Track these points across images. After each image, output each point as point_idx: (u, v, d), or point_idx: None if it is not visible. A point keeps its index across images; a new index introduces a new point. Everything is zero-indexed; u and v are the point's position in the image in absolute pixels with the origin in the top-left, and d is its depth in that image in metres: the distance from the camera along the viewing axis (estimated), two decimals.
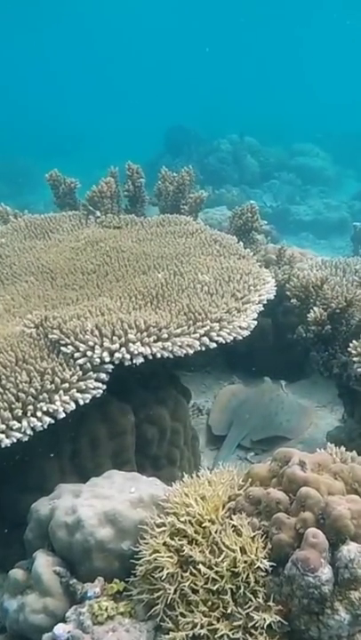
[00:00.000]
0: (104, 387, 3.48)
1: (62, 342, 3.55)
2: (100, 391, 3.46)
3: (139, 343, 3.54)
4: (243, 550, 2.83)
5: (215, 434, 5.39)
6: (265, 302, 4.39)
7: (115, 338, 3.52)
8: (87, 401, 3.39)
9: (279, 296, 5.63)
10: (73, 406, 3.33)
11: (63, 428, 3.54)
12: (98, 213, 5.70)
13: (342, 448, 3.46)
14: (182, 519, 3.01)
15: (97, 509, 3.16)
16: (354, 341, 4.27)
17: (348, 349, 4.30)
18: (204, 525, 2.98)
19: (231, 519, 2.99)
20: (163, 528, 3.05)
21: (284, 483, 3.03)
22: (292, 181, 19.31)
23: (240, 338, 3.97)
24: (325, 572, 2.64)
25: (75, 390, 3.35)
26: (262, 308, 4.33)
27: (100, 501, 3.21)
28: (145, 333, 3.58)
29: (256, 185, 19.22)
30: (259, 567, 2.77)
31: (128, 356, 3.49)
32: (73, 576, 3.08)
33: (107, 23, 43.43)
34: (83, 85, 40.82)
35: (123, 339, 3.53)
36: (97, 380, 3.46)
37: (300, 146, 22.30)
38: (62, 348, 3.51)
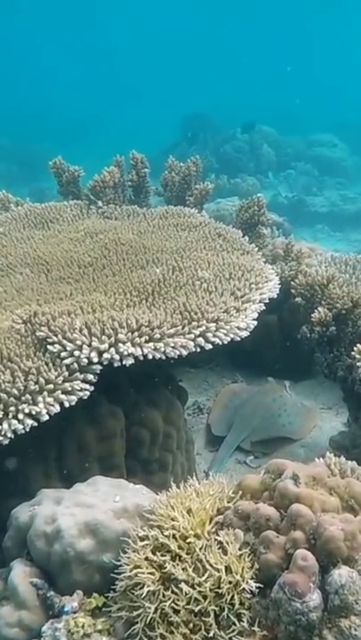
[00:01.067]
0: (91, 388, 3.32)
1: (49, 340, 3.38)
2: (87, 393, 3.29)
3: (129, 343, 3.36)
4: (228, 569, 2.66)
5: (215, 434, 5.22)
6: (267, 301, 4.19)
7: (104, 337, 3.35)
8: (73, 403, 3.23)
9: (286, 293, 5.45)
10: (57, 408, 3.17)
11: (48, 429, 3.38)
12: (100, 203, 5.53)
13: (343, 458, 3.28)
14: (166, 533, 2.85)
15: (78, 519, 3.00)
16: (359, 345, 4.07)
17: (353, 353, 4.10)
18: (188, 541, 2.82)
19: (218, 535, 2.83)
20: (146, 542, 2.89)
21: (275, 497, 2.86)
22: (308, 172, 19.03)
23: (238, 339, 3.78)
24: (314, 599, 2.47)
25: (60, 392, 3.19)
26: (263, 308, 4.14)
27: (82, 510, 3.05)
28: (136, 333, 3.41)
29: (272, 175, 18.94)
30: (244, 588, 2.61)
31: (117, 357, 3.32)
32: (51, 588, 2.93)
33: (126, 9, 43.07)
34: (101, 73, 40.56)
35: (112, 338, 3.36)
36: (84, 381, 3.30)
37: (319, 136, 21.97)
38: (49, 347, 3.34)
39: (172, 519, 2.89)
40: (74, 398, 3.23)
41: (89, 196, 5.56)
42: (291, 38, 39.67)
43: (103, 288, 4.03)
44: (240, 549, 2.72)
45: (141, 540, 2.91)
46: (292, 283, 5.02)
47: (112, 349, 3.33)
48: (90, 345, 3.33)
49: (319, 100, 28.96)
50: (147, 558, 2.81)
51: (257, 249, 4.98)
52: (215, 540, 2.81)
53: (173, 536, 2.85)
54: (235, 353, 6.01)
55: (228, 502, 3.02)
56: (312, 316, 4.52)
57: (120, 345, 3.34)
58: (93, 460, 3.52)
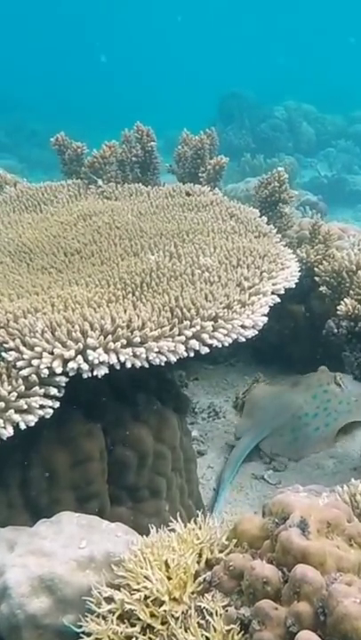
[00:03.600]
0: (56, 405, 2.70)
1: (5, 346, 2.76)
2: (50, 411, 2.67)
3: (101, 349, 2.73)
4: None
5: (238, 436, 4.60)
6: (282, 292, 3.52)
7: (70, 342, 2.73)
8: (31, 424, 2.61)
9: (314, 279, 4.75)
10: (9, 432, 2.56)
11: (9, 452, 2.79)
12: (100, 182, 4.89)
13: None
14: (137, 596, 2.22)
15: (31, 572, 2.41)
16: None
17: None
18: (164, 608, 2.18)
19: (202, 599, 2.19)
20: (112, 605, 2.27)
21: (277, 551, 2.22)
22: (350, 150, 18.07)
23: (243, 340, 3.12)
24: None
25: (12, 411, 2.57)
26: (277, 300, 3.47)
27: (38, 560, 2.45)
28: (110, 336, 2.77)
29: (312, 153, 18.07)
30: None
31: (86, 367, 2.69)
32: None
33: None
34: (136, 54, 39.76)
35: (80, 344, 2.73)
36: (46, 396, 2.68)
37: None
38: (3, 354, 2.73)
39: (145, 577, 2.26)
40: (32, 418, 2.62)
41: (87, 174, 4.92)
42: (335, 12, 38.07)
43: (86, 279, 3.41)
44: (229, 623, 2.08)
45: (108, 601, 2.30)
46: (316, 269, 4.31)
47: (79, 357, 2.70)
48: (52, 352, 2.70)
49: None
50: (112, 630, 2.19)
51: (276, 230, 4.29)
52: (197, 607, 2.18)
53: (145, 600, 2.23)
54: (258, 347, 5.32)
55: (221, 552, 2.39)
56: (338, 308, 3.82)
57: (89, 352, 2.71)
58: (65, 488, 2.91)
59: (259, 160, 15.00)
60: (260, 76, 27.26)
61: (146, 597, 2.23)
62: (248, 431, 4.52)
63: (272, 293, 3.45)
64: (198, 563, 2.35)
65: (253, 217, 4.34)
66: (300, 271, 3.87)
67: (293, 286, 3.69)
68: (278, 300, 3.49)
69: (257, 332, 3.23)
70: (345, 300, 3.78)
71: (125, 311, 2.98)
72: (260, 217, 4.40)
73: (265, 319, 3.27)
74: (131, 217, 4.26)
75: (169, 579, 2.28)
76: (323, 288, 4.19)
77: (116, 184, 4.90)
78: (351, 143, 18.36)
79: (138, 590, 2.23)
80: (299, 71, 29.49)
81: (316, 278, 4.32)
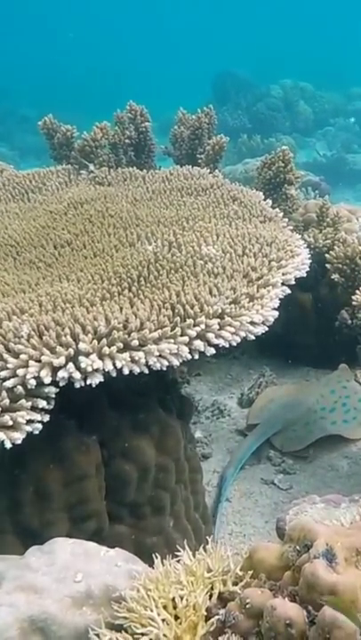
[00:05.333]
0: (45, 418, 2.40)
1: None
2: (39, 426, 2.37)
3: (94, 355, 2.43)
4: None
5: (249, 423, 4.37)
6: (293, 283, 3.21)
7: (59, 348, 2.42)
8: (18, 442, 2.31)
9: (323, 266, 4.45)
10: None
11: None
12: (91, 167, 4.56)
13: None
14: None
15: (20, 612, 2.11)
16: None
17: None
18: None
19: None
20: None
21: (300, 587, 1.92)
22: (349, 128, 17.67)
23: (252, 337, 2.82)
24: None
25: None
26: (288, 291, 3.17)
27: (28, 597, 2.16)
28: (105, 340, 2.46)
29: (310, 133, 17.67)
30: None
31: (79, 376, 2.39)
32: None
33: None
34: (130, 37, 39.07)
35: (71, 349, 2.42)
36: (33, 409, 2.38)
37: (360, 89, 20.46)
38: None
39: (150, 619, 1.97)
40: (18, 436, 2.31)
41: (78, 159, 4.60)
42: None
43: (77, 274, 3.10)
44: None
45: None
46: (328, 255, 4.00)
47: (70, 365, 2.40)
48: (39, 360, 2.40)
49: (359, 50, 27.15)
50: None
51: (282, 214, 3.98)
52: None
53: None
54: (263, 338, 5.00)
55: (235, 584, 2.10)
56: (353, 297, 3.51)
57: (82, 358, 2.40)
58: (59, 509, 2.62)
59: (256, 141, 14.66)
60: (254, 55, 26.75)
61: None
62: (256, 427, 4.25)
63: (282, 284, 3.14)
64: (210, 597, 2.06)
65: (258, 200, 4.02)
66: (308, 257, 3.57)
67: (305, 275, 3.39)
68: (289, 291, 3.19)
69: (267, 329, 2.93)
70: None
71: (121, 310, 2.67)
72: (265, 200, 4.08)
73: (276, 314, 2.97)
74: (125, 204, 3.94)
75: (176, 618, 1.99)
76: (335, 276, 3.90)
77: (109, 168, 4.58)
78: (350, 121, 17.96)
79: (142, 634, 1.95)
80: (294, 49, 28.95)
81: (328, 265, 4.01)
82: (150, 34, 38.30)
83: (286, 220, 3.97)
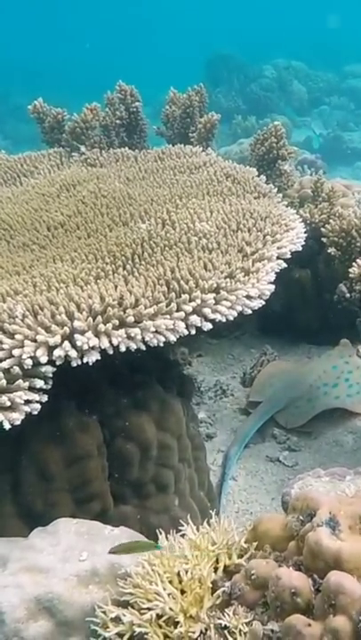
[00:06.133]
0: (43, 398, 2.38)
1: None
2: (38, 406, 2.35)
3: (90, 333, 2.40)
4: None
5: (251, 400, 4.37)
6: (288, 256, 3.18)
7: (55, 327, 2.39)
8: (17, 422, 2.29)
9: (319, 241, 4.41)
10: None
11: None
12: (83, 149, 4.52)
13: None
14: (147, 616, 1.92)
15: (26, 592, 2.11)
16: None
17: None
18: (179, 629, 1.88)
19: (222, 615, 1.89)
20: (120, 628, 1.97)
21: (305, 555, 1.91)
22: (344, 106, 17.53)
23: (249, 312, 2.79)
24: None
25: None
26: (284, 265, 3.14)
27: (33, 577, 2.15)
28: (100, 317, 2.44)
29: (305, 112, 17.53)
30: None
31: (75, 354, 2.37)
32: None
33: None
34: (120, 18, 38.70)
35: (66, 327, 2.40)
36: (31, 389, 2.35)
37: (353, 67, 20.27)
38: None
39: (156, 594, 1.96)
40: (17, 416, 2.29)
41: (69, 141, 4.55)
42: None
43: (71, 255, 3.07)
44: None
45: (115, 623, 2.00)
46: (323, 229, 3.97)
47: (66, 343, 2.37)
48: (35, 339, 2.37)
49: (352, 28, 26.84)
50: None
51: (277, 190, 3.93)
52: (218, 625, 1.88)
53: (158, 618, 1.93)
54: (264, 317, 4.99)
55: (240, 556, 2.09)
56: (350, 270, 3.48)
57: (77, 336, 2.38)
58: (62, 490, 2.60)
59: (250, 121, 14.54)
60: (246, 36, 26.46)
61: (158, 616, 1.93)
62: (260, 405, 4.22)
63: (278, 258, 3.11)
64: (215, 570, 2.05)
65: (251, 176, 3.98)
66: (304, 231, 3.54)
67: (300, 249, 3.36)
68: (285, 265, 3.16)
69: (264, 303, 2.90)
70: (358, 260, 3.44)
71: (116, 288, 2.65)
72: (259, 176, 4.04)
73: (272, 287, 2.93)
74: (118, 184, 3.91)
75: (182, 592, 1.98)
76: (331, 249, 3.86)
77: (101, 150, 4.53)
78: (345, 100, 17.81)
79: (148, 609, 1.93)
80: (286, 28, 28.64)
81: (324, 239, 3.98)
82: (140, 17, 37.94)
83: (281, 195, 3.93)
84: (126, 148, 4.52)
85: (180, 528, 2.19)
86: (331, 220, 4.01)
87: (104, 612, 2.02)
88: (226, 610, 1.91)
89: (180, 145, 4.46)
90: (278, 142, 4.55)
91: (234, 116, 14.71)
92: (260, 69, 18.79)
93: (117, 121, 4.76)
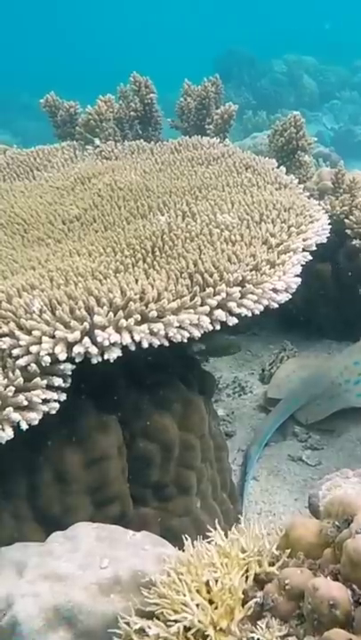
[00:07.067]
0: (62, 397, 2.27)
1: None
2: (56, 405, 2.24)
3: (111, 328, 2.29)
4: None
5: (270, 396, 4.24)
6: (313, 248, 3.06)
7: (74, 322, 2.28)
8: (34, 422, 2.19)
9: (340, 234, 4.28)
10: (9, 434, 2.13)
11: (11, 455, 2.37)
12: (97, 142, 4.41)
13: None
14: (174, 629, 1.81)
15: (44, 601, 2.00)
16: None
17: None
18: None
19: (255, 628, 1.78)
20: None
21: (343, 564, 1.79)
22: (355, 100, 17.37)
23: (275, 306, 2.67)
24: None
25: (11, 409, 2.14)
26: (310, 257, 3.01)
27: (52, 585, 2.04)
28: (121, 312, 2.33)
29: (315, 107, 17.37)
30: None
31: (95, 351, 2.26)
32: None
33: None
34: (130, 17, 38.56)
35: (86, 323, 2.28)
36: (49, 388, 2.25)
37: None
38: None
39: (183, 605, 1.84)
40: (34, 416, 2.18)
41: (83, 134, 4.44)
42: None
43: (88, 248, 2.96)
44: None
45: (139, 635, 1.88)
46: (347, 221, 3.84)
47: (86, 339, 2.26)
48: (53, 335, 2.26)
49: None
50: None
51: (297, 181, 3.81)
52: (250, 639, 1.77)
53: (186, 631, 1.82)
54: (283, 312, 4.85)
55: (271, 564, 1.97)
56: None
57: (98, 332, 2.27)
58: (80, 492, 2.49)
59: (261, 117, 14.41)
60: (255, 31, 26.33)
61: (186, 629, 1.82)
62: (280, 402, 4.10)
63: (303, 250, 2.99)
64: (245, 579, 1.93)
65: (271, 167, 3.86)
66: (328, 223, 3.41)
67: (325, 241, 3.24)
68: (310, 257, 3.04)
69: (290, 297, 2.78)
70: None
71: (137, 281, 2.53)
72: (278, 167, 3.92)
73: (298, 280, 2.82)
74: (134, 176, 3.79)
75: (210, 602, 1.87)
76: (356, 241, 3.74)
77: (115, 142, 4.42)
78: (356, 94, 17.66)
79: (175, 621, 1.82)
80: (295, 23, 28.49)
81: (348, 231, 3.85)
82: (150, 15, 37.82)
83: (302, 186, 3.81)
84: (141, 141, 4.40)
85: (206, 534, 2.07)
86: (355, 211, 3.89)
87: (127, 624, 1.90)
88: (258, 622, 1.80)
89: (197, 136, 4.34)
90: (298, 132, 4.42)
91: (245, 112, 14.56)
92: (269, 64, 18.64)
93: (132, 113, 4.65)
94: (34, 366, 2.25)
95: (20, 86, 22.09)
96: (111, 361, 2.29)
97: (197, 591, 1.88)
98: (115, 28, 36.04)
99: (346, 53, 20.58)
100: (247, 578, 1.93)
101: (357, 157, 13.68)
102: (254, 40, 22.47)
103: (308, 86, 18.22)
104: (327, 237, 3.31)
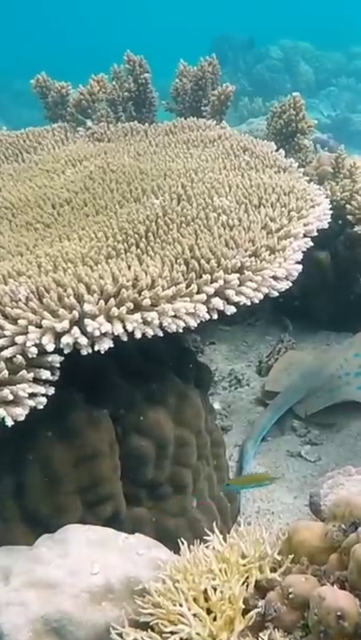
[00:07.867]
0: (50, 391, 2.13)
1: None
2: (43, 400, 2.10)
3: (102, 317, 2.14)
4: None
5: (267, 389, 4.09)
6: (315, 234, 2.92)
7: (62, 311, 2.14)
8: (20, 418, 2.04)
9: (339, 221, 4.14)
10: None
11: None
12: (89, 123, 4.25)
13: None
14: None
15: (32, 611, 1.87)
16: None
17: None
18: None
19: None
20: None
21: (350, 572, 1.68)
22: (352, 87, 17.16)
23: (275, 294, 2.53)
24: None
25: None
26: (311, 244, 2.87)
27: (40, 594, 1.91)
28: (113, 300, 2.18)
29: (312, 94, 17.15)
30: None
31: (85, 341, 2.11)
32: None
33: None
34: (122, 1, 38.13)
35: (75, 311, 2.14)
36: (36, 381, 2.10)
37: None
38: None
39: (180, 615, 1.71)
40: (20, 412, 2.04)
41: (74, 115, 4.28)
42: None
43: (78, 233, 2.81)
44: None
45: None
46: (348, 206, 3.70)
47: (75, 329, 2.12)
48: (40, 325, 2.12)
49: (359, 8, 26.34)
50: None
51: (297, 165, 3.67)
52: None
53: None
54: (280, 302, 4.71)
55: (273, 570, 1.84)
56: None
57: (88, 321, 2.12)
58: (70, 492, 2.35)
59: (257, 103, 14.23)
60: (251, 15, 26.05)
61: None
62: (277, 395, 3.97)
63: (304, 236, 2.85)
64: (246, 587, 1.80)
65: (270, 150, 3.72)
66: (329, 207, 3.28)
67: (326, 226, 3.10)
68: (311, 243, 2.90)
69: (291, 284, 2.64)
70: None
71: (130, 267, 2.39)
72: (277, 150, 3.77)
73: (299, 267, 2.68)
74: (127, 158, 3.64)
75: (209, 612, 1.74)
76: (358, 228, 3.60)
77: (108, 124, 4.26)
78: (353, 81, 17.46)
79: (172, 633, 1.69)
80: (291, 8, 28.19)
81: (349, 217, 3.71)
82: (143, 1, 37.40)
83: (302, 170, 3.67)
84: (135, 122, 4.24)
85: (202, 537, 1.94)
86: (357, 197, 3.74)
87: (120, 635, 1.77)
88: (260, 635, 1.67)
89: (193, 118, 4.18)
90: (297, 115, 4.27)
91: (240, 98, 14.37)
92: (265, 50, 18.40)
93: (125, 94, 4.48)
94: (20, 358, 2.10)
95: (13, 72, 21.74)
96: (102, 352, 2.15)
97: (195, 600, 1.75)
98: (108, 15, 35.64)
99: (342, 39, 20.35)
100: (248, 585, 1.80)
101: (355, 145, 13.50)
102: (249, 24, 22.22)
103: (305, 73, 18.00)
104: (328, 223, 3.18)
